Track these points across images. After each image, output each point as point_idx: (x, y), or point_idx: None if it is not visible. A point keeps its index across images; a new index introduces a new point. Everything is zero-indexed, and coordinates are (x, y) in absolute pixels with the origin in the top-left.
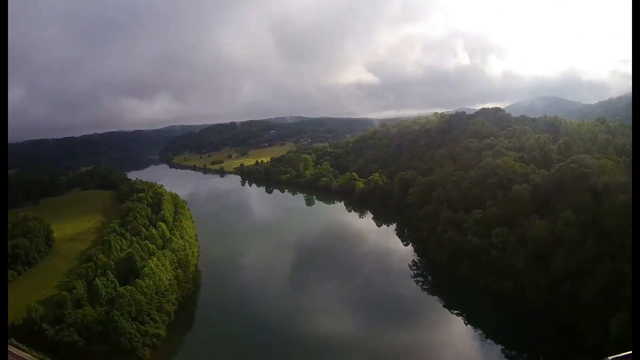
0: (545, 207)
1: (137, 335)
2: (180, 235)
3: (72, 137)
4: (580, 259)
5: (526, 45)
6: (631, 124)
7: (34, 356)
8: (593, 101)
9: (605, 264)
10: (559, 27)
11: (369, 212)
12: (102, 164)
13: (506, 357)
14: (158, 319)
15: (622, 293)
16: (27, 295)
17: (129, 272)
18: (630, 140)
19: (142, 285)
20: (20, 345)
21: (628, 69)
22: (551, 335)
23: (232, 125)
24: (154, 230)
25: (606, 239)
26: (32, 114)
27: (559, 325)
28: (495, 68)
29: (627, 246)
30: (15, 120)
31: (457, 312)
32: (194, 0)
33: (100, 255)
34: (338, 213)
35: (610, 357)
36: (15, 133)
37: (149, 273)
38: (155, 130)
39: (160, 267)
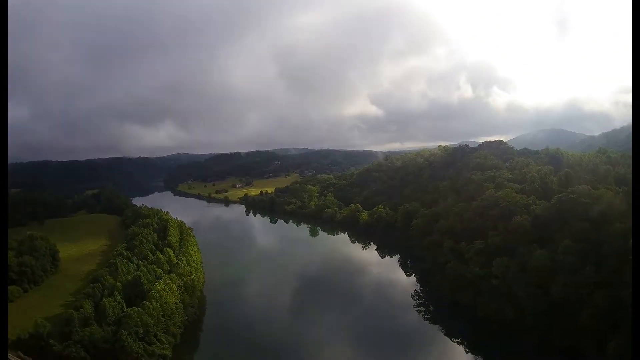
0: (545, 236)
1: (144, 355)
2: (186, 261)
3: (76, 160)
4: (579, 285)
5: (529, 77)
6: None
7: None
8: (596, 132)
9: (603, 290)
10: (561, 59)
11: (372, 243)
12: (106, 188)
13: None
14: (164, 340)
15: (620, 317)
16: (33, 311)
17: (136, 294)
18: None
19: (150, 307)
20: (27, 358)
21: (629, 99)
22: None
23: (237, 155)
24: (160, 255)
25: (604, 266)
26: (36, 134)
27: (558, 349)
28: (499, 100)
29: (624, 272)
30: (19, 140)
31: (458, 340)
32: (200, 30)
33: (108, 276)
34: (342, 244)
35: None
36: (19, 153)
37: (156, 296)
38: (159, 157)
39: (167, 291)
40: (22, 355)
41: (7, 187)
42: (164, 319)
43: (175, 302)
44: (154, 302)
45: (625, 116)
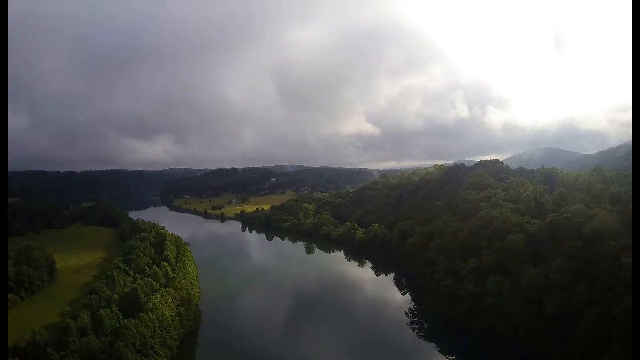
0: (539, 254)
1: None
2: (183, 275)
3: (73, 171)
4: (572, 302)
5: (525, 96)
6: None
7: None
8: (592, 151)
9: (596, 306)
10: (557, 78)
11: (368, 261)
12: (103, 201)
13: None
14: (161, 352)
15: (611, 332)
16: (29, 319)
17: (132, 306)
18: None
19: (146, 319)
20: None
21: (626, 117)
22: None
23: (233, 171)
24: (157, 269)
25: (597, 283)
26: (33, 144)
27: None
28: (494, 119)
29: (616, 289)
30: (17, 149)
31: (453, 357)
32: (198, 44)
33: (105, 288)
34: (337, 262)
35: None
36: (17, 162)
37: (152, 308)
38: (156, 171)
39: (164, 304)
40: None
41: (7, 195)
42: (160, 332)
43: (172, 315)
44: (150, 315)
45: (621, 134)
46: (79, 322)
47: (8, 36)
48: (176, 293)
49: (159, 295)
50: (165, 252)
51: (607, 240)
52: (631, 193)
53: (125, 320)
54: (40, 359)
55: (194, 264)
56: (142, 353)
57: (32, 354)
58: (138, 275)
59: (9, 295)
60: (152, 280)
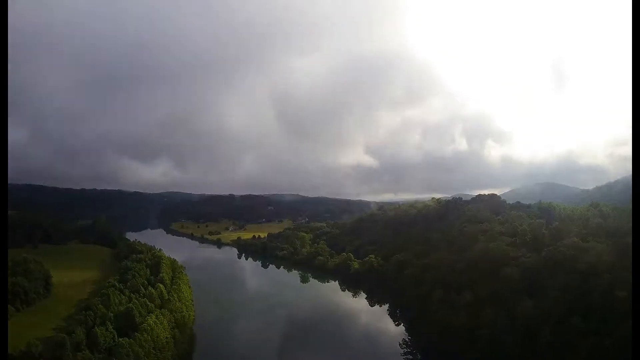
0: (535, 287)
1: None
2: (178, 298)
3: (71, 188)
4: (567, 334)
5: (524, 129)
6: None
7: None
8: (591, 185)
9: (590, 338)
10: (556, 112)
11: (362, 292)
12: (100, 220)
13: None
14: None
15: None
16: (24, 331)
17: (127, 326)
18: (630, 151)
19: (141, 339)
20: None
21: (625, 151)
22: None
23: (231, 197)
24: (152, 290)
25: (591, 316)
26: (34, 158)
27: None
28: (493, 153)
29: (610, 320)
30: (17, 162)
31: None
32: (200, 68)
33: (100, 306)
34: (332, 291)
35: None
36: (16, 175)
37: (147, 329)
38: (154, 194)
39: (159, 325)
40: None
41: (7, 207)
42: (154, 352)
43: (166, 337)
44: (145, 335)
45: (619, 169)
46: (74, 337)
47: (12, 50)
48: (171, 315)
49: (154, 316)
50: (161, 274)
51: (602, 273)
52: (630, 224)
53: (120, 339)
54: None
55: (189, 287)
56: None
57: None
58: (133, 295)
59: None
60: (147, 300)
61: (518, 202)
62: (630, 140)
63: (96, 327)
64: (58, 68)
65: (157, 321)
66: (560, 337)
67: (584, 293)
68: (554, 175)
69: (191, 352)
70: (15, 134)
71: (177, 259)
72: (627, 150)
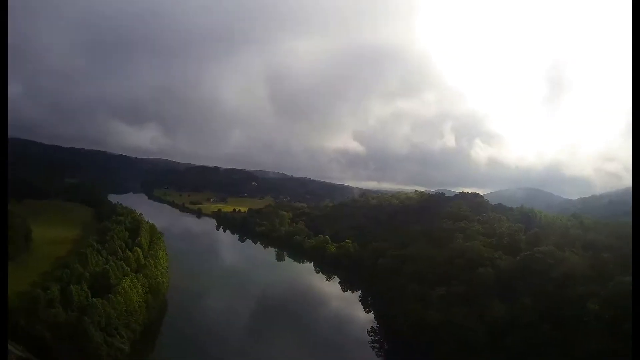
0: (508, 290)
1: (104, 344)
2: (154, 264)
3: (60, 146)
4: (535, 341)
5: (514, 133)
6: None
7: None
8: (575, 196)
9: (557, 348)
10: (547, 120)
11: (336, 276)
12: (87, 180)
13: None
14: (124, 335)
15: None
16: None
17: (102, 287)
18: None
19: (115, 300)
20: None
21: (613, 167)
22: None
23: (215, 169)
24: (130, 254)
25: (561, 325)
26: (25, 114)
27: None
28: (481, 153)
29: (578, 334)
30: (9, 115)
31: None
32: (198, 41)
33: (77, 264)
34: (306, 273)
35: None
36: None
37: (121, 291)
38: (140, 158)
39: (133, 289)
40: None
41: (8, 186)
42: (126, 315)
43: (139, 301)
44: (118, 297)
45: (606, 184)
46: (48, 293)
47: (12, 2)
48: (146, 280)
49: (129, 280)
50: (139, 239)
51: (575, 285)
52: (609, 238)
53: (94, 299)
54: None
55: (166, 254)
56: (106, 332)
57: None
58: (110, 257)
59: None
60: (123, 263)
61: (500, 204)
62: (618, 156)
63: (71, 285)
64: (57, 27)
65: (132, 285)
66: (527, 344)
67: (556, 303)
68: (539, 182)
69: (161, 319)
70: (9, 89)
71: (155, 225)
72: (615, 166)
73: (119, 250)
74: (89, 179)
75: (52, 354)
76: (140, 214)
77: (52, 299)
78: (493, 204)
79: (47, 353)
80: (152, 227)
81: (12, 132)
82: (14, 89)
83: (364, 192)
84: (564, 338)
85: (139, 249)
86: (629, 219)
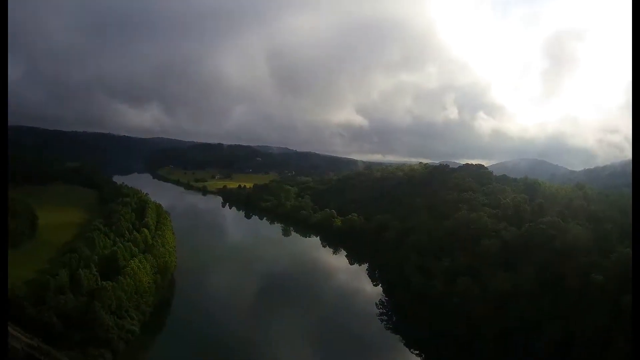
0: (511, 262)
1: (115, 328)
2: (162, 243)
3: (62, 130)
4: (537, 313)
5: (517, 104)
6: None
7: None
8: (579, 167)
9: (559, 321)
10: (549, 91)
11: (343, 249)
12: (88, 162)
13: None
14: (135, 316)
15: (571, 350)
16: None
17: (110, 269)
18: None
19: (124, 282)
20: None
21: (615, 139)
22: None
23: (219, 146)
24: (137, 234)
25: (563, 297)
26: (26, 98)
27: None
28: (484, 125)
29: (581, 306)
30: (9, 101)
31: (417, 352)
32: (198, 18)
33: (84, 248)
34: (313, 247)
35: None
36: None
37: (130, 273)
38: (143, 139)
39: (142, 269)
40: None
41: (7, 176)
42: (136, 296)
43: (148, 282)
44: (128, 279)
45: (608, 155)
46: (57, 280)
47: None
48: (154, 260)
49: (137, 261)
50: (146, 219)
51: (578, 256)
52: (612, 209)
53: (103, 282)
54: (16, 312)
55: (173, 233)
56: (116, 315)
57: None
58: (118, 239)
59: None
60: (131, 245)
61: (504, 175)
62: (620, 128)
63: (80, 270)
64: (55, 8)
65: (140, 266)
66: (529, 316)
67: (558, 274)
68: (543, 153)
69: (170, 298)
70: (9, 73)
71: (161, 204)
72: (617, 138)
73: (126, 231)
74: (92, 162)
75: (63, 340)
76: (146, 194)
77: (62, 285)
78: (497, 175)
79: (58, 339)
80: (159, 207)
81: (13, 119)
82: (12, 75)
83: (369, 165)
84: (565, 313)
85: (146, 230)
86: (630, 190)
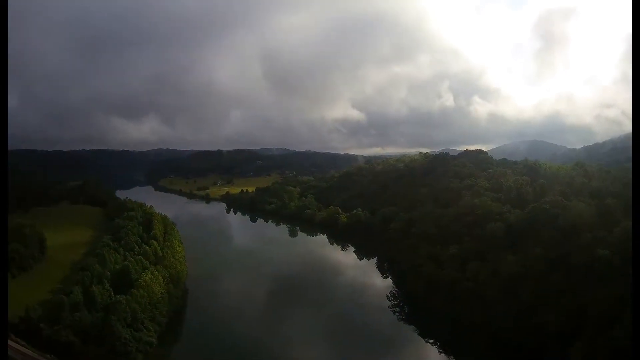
0: (518, 243)
1: (132, 340)
2: (172, 254)
3: (61, 150)
4: (546, 291)
5: (511, 87)
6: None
7: (31, 351)
8: (578, 145)
9: (569, 296)
10: (542, 71)
11: (350, 245)
12: (90, 180)
13: None
14: (151, 328)
15: (582, 323)
16: (21, 297)
17: (123, 283)
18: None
19: (138, 295)
20: (19, 340)
21: (612, 113)
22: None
23: (219, 153)
24: (147, 247)
25: (571, 273)
26: (24, 122)
27: (525, 353)
28: (480, 109)
29: (589, 280)
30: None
31: (432, 341)
32: (188, 26)
33: (96, 265)
34: (320, 245)
35: None
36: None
37: (143, 285)
38: (142, 151)
39: (154, 280)
40: (13, 337)
41: (7, 189)
42: (150, 307)
43: (162, 292)
44: (141, 291)
45: (607, 130)
46: (71, 297)
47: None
48: (165, 271)
49: (149, 273)
50: (153, 231)
51: (582, 233)
52: (610, 186)
53: (118, 296)
54: (34, 334)
55: (181, 243)
56: (132, 328)
57: (25, 330)
58: (128, 253)
59: None
60: (142, 258)
61: (505, 159)
62: (616, 102)
63: (93, 286)
64: (46, 33)
65: (153, 277)
66: (540, 295)
67: (565, 251)
68: (541, 133)
69: (184, 307)
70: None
71: (167, 216)
72: (614, 112)
73: (135, 245)
74: (93, 179)
75: (81, 356)
76: (151, 206)
77: (76, 302)
78: (497, 159)
79: (76, 356)
80: (165, 219)
81: (12, 144)
82: (9, 101)
83: (369, 159)
84: (574, 287)
85: (154, 242)
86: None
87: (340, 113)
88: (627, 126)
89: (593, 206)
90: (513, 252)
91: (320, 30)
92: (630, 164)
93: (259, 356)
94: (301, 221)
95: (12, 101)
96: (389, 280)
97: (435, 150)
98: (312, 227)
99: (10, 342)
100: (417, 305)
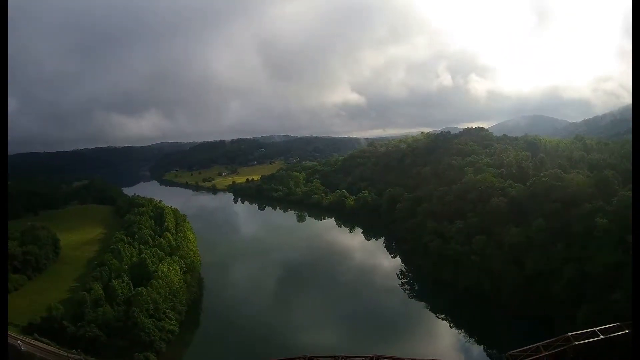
0: (520, 216)
1: (155, 330)
2: (186, 244)
3: (63, 151)
4: (550, 260)
5: (509, 63)
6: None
7: (56, 349)
8: (578, 119)
9: (572, 264)
10: (539, 46)
11: (358, 227)
12: (96, 179)
13: (488, 355)
14: (172, 317)
15: (586, 288)
16: (39, 297)
17: (141, 275)
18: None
19: (157, 285)
20: (43, 339)
21: (610, 86)
22: (527, 328)
23: (221, 143)
24: (161, 240)
25: (573, 243)
26: (24, 126)
27: (533, 319)
28: (479, 87)
29: (590, 247)
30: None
31: (442, 316)
32: (184, 18)
33: (113, 260)
34: (328, 229)
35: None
36: (9, 146)
37: (161, 275)
38: (144, 146)
39: (172, 271)
40: (38, 337)
41: (7, 183)
42: (170, 297)
43: (179, 282)
44: (160, 281)
45: (606, 103)
46: (92, 294)
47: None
48: (181, 261)
49: (166, 263)
50: (165, 224)
51: (582, 203)
52: (606, 158)
53: (138, 288)
54: (58, 332)
55: (193, 233)
56: (155, 318)
57: (48, 329)
58: (143, 247)
59: (17, 276)
60: (157, 249)
61: (505, 135)
62: (613, 75)
63: (113, 281)
64: (44, 35)
65: (170, 267)
66: (544, 264)
67: (566, 222)
68: (540, 108)
69: (201, 296)
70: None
71: (177, 208)
72: (612, 85)
73: (149, 238)
74: (98, 177)
75: (107, 349)
76: (160, 200)
77: (97, 298)
78: (498, 135)
79: (102, 349)
80: (175, 211)
81: (14, 148)
82: (9, 105)
83: (371, 141)
84: (576, 255)
85: (168, 234)
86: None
87: (340, 97)
88: (625, 98)
89: (592, 178)
90: (516, 225)
91: (316, 16)
92: (629, 136)
93: (274, 338)
94: (309, 206)
95: (12, 105)
96: (398, 260)
97: (437, 129)
98: (319, 212)
99: (33, 341)
100: (426, 281)
